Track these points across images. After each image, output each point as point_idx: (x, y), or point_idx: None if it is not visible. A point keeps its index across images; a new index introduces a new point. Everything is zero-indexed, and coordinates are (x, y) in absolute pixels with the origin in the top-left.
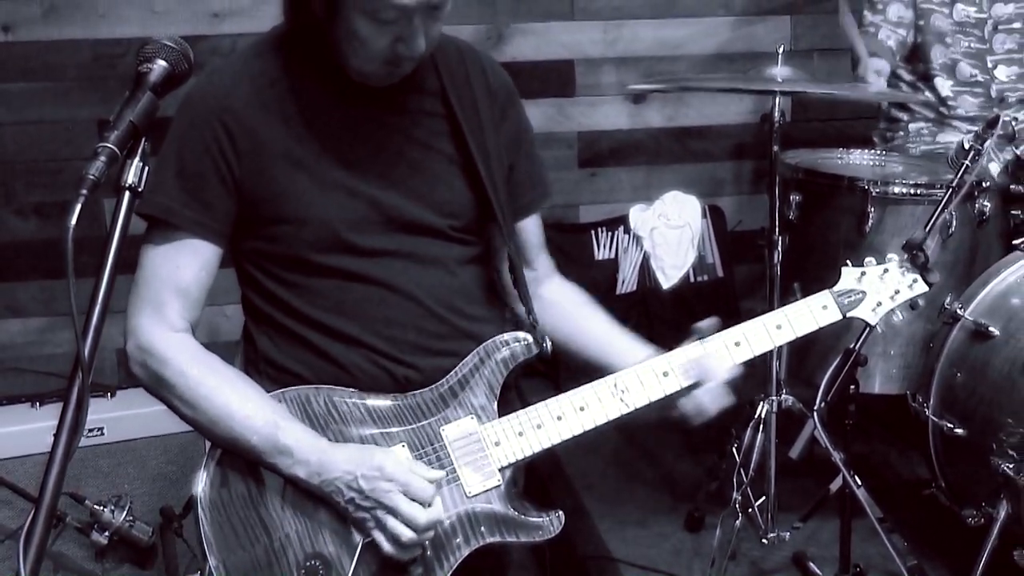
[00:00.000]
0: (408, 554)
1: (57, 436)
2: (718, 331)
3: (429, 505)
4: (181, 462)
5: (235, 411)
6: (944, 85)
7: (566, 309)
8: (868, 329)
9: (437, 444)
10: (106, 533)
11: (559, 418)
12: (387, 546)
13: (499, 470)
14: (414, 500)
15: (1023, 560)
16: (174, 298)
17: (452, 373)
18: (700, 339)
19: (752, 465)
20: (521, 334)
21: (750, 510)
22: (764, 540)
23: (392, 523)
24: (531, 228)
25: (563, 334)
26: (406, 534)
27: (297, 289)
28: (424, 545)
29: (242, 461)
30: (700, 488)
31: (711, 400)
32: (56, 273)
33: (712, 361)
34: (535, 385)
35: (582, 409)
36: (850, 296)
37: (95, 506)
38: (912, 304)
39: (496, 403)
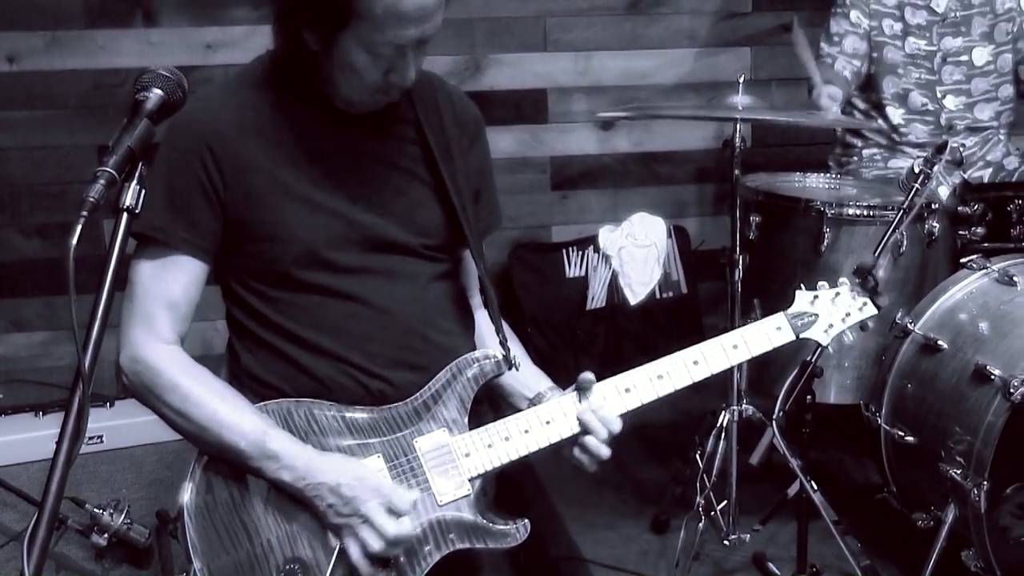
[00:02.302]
0: (371, 569)
1: (59, 443)
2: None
3: (401, 518)
4: (176, 468)
5: (223, 418)
6: (895, 114)
7: (483, 335)
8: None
9: (411, 455)
10: (105, 535)
11: (526, 431)
12: (356, 554)
13: (469, 480)
14: (391, 512)
15: (970, 560)
16: (164, 312)
17: (426, 388)
18: (581, 392)
19: (714, 471)
20: (491, 351)
21: (712, 513)
22: (726, 542)
23: (366, 532)
24: (484, 268)
25: None
26: (376, 544)
27: (278, 304)
28: (391, 558)
29: (226, 470)
30: (665, 493)
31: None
32: (58, 290)
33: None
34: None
35: (548, 423)
36: (803, 318)
37: (95, 509)
38: (862, 326)
39: (467, 417)
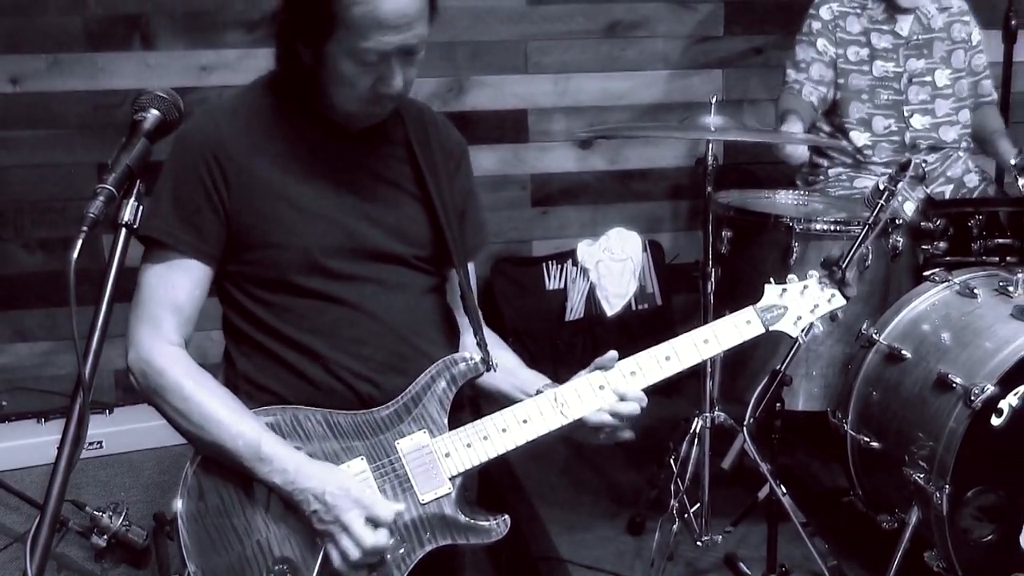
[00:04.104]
0: (353, 571)
1: (60, 449)
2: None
3: (379, 529)
4: (173, 472)
5: (223, 418)
6: (860, 137)
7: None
8: (794, 348)
9: (393, 456)
10: (105, 536)
11: (504, 430)
12: (336, 559)
13: (450, 479)
14: (371, 522)
15: (933, 561)
16: (170, 314)
17: (407, 390)
18: (602, 371)
19: (688, 475)
20: (469, 354)
21: (686, 515)
22: (699, 543)
23: (344, 540)
24: (466, 279)
25: None
26: (354, 553)
27: (275, 308)
28: (370, 565)
29: (217, 476)
30: (641, 496)
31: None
32: (59, 301)
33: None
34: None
35: (525, 422)
36: (772, 311)
37: (95, 512)
38: (832, 316)
39: (447, 417)
